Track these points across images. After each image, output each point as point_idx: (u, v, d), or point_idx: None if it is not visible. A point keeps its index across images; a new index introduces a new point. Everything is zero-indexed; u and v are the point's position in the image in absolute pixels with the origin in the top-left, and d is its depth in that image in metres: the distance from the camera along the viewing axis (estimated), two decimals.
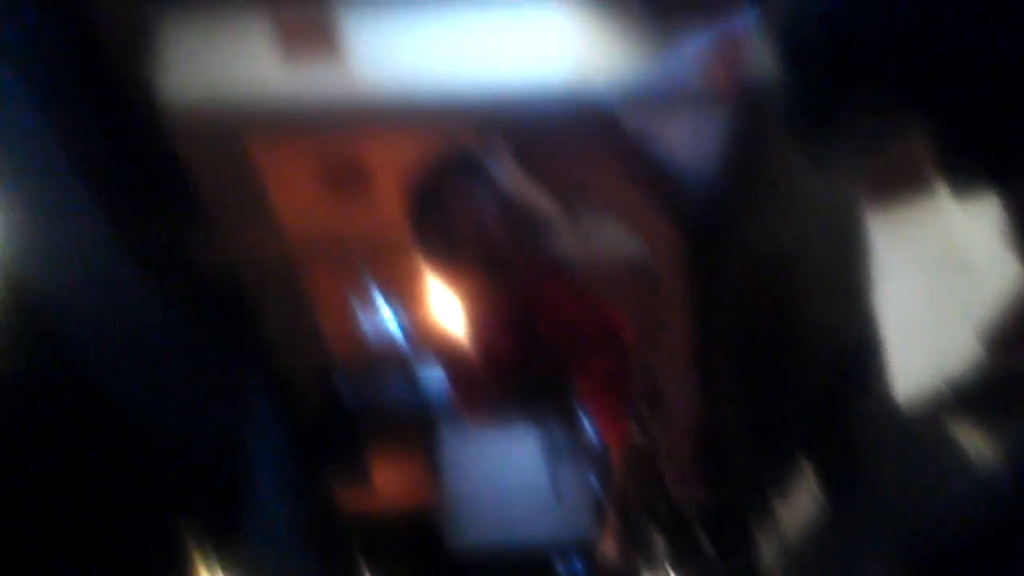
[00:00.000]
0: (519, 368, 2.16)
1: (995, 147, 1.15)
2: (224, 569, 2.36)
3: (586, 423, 2.20)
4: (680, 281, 1.61)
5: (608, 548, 1.91)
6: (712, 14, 1.72)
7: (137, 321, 2.37)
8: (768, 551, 1.62)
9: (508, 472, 2.88)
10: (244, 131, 2.26)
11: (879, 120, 1.25)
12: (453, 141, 1.88)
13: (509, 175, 1.74)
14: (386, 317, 2.73)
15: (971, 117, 1.16)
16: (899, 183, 1.24)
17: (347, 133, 2.28)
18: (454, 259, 1.85)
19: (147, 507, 2.24)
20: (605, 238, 1.71)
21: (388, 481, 3.34)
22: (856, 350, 1.31)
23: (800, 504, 1.50)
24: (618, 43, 2.03)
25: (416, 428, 3.10)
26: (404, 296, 2.65)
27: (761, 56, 1.49)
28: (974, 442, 1.24)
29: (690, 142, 1.67)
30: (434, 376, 2.96)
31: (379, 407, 3.14)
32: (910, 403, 1.23)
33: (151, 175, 2.35)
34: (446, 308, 2.53)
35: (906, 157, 1.22)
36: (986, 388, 1.18)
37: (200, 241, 2.48)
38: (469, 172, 1.85)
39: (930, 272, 1.23)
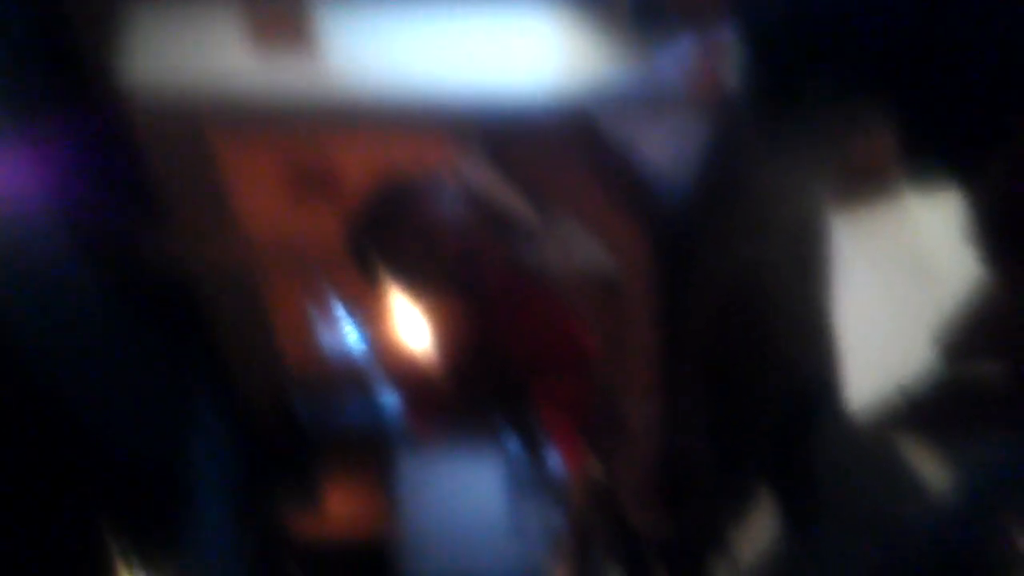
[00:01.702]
0: (480, 387, 2.06)
1: (958, 141, 1.15)
2: None
3: (547, 450, 2.10)
4: (645, 296, 1.55)
5: None
6: (697, 22, 1.68)
7: (82, 318, 2.25)
8: None
9: (466, 502, 2.76)
10: (208, 123, 2.16)
11: (845, 115, 1.24)
12: (425, 146, 1.81)
13: (482, 178, 1.69)
14: (347, 331, 2.62)
15: (934, 112, 1.17)
16: (864, 178, 1.23)
17: (316, 132, 2.19)
18: (419, 267, 1.78)
19: (74, 513, 2.10)
20: (576, 248, 1.65)
21: (340, 506, 3.19)
22: (820, 370, 1.28)
23: (759, 534, 1.45)
24: (600, 48, 1.96)
25: (373, 452, 2.97)
26: (366, 310, 2.54)
27: (740, 64, 1.47)
28: (930, 464, 1.24)
29: (667, 151, 1.62)
30: (394, 398, 2.85)
31: (335, 426, 3.01)
32: (866, 414, 1.21)
33: (108, 164, 2.25)
34: (409, 323, 2.43)
35: (871, 151, 1.22)
36: (941, 398, 1.17)
37: (154, 238, 2.37)
38: (438, 177, 1.78)
39: (891, 278, 1.23)
